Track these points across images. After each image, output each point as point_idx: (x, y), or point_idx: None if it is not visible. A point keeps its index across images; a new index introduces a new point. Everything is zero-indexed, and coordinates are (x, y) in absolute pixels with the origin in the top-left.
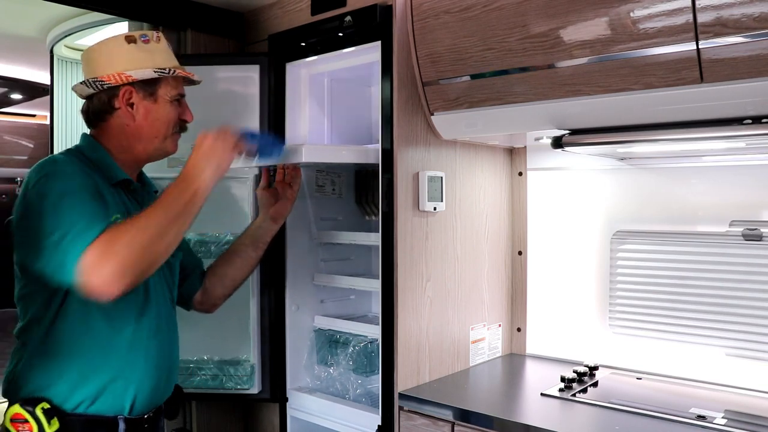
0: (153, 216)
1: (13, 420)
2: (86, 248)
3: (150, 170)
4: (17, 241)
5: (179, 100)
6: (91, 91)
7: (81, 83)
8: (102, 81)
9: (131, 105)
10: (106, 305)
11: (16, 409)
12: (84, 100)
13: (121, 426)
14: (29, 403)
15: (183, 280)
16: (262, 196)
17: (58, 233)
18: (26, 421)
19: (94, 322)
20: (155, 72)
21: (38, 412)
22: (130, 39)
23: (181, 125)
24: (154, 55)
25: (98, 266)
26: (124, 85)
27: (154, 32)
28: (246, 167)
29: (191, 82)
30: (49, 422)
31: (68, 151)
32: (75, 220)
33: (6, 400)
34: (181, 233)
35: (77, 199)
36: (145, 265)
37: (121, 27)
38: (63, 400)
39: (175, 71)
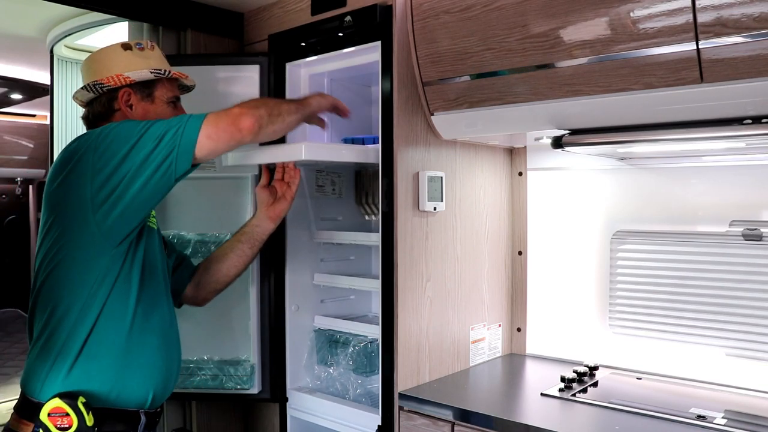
0: (266, 99)
1: (51, 414)
2: (205, 117)
3: None
4: (97, 185)
5: (175, 103)
6: (92, 95)
7: (82, 88)
8: (102, 84)
9: (130, 106)
10: (140, 297)
11: (57, 403)
12: (84, 108)
13: (143, 419)
14: (69, 396)
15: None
16: (260, 194)
17: (166, 127)
18: (66, 415)
19: (129, 317)
20: (151, 72)
21: (80, 405)
22: (126, 46)
23: None
24: (149, 60)
25: (224, 113)
26: (122, 87)
27: (148, 41)
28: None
29: (186, 89)
30: (87, 415)
31: None
32: (177, 118)
33: (6, 399)
34: (283, 126)
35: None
36: (266, 119)
37: (121, 27)
38: (96, 394)
39: (170, 72)
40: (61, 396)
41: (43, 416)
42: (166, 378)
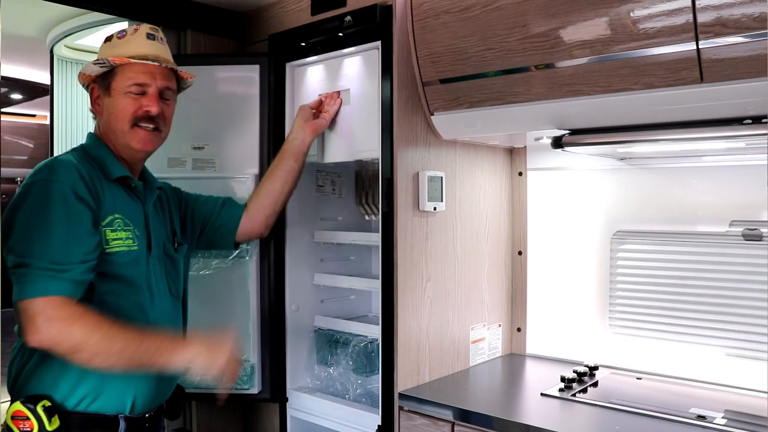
0: (122, 345)
1: (14, 417)
2: (45, 297)
3: (151, 169)
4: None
5: (142, 92)
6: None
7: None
8: (81, 83)
9: (99, 103)
10: (111, 301)
11: (17, 406)
12: None
13: (122, 425)
14: (30, 400)
15: (216, 219)
16: (304, 109)
17: (17, 256)
18: (27, 419)
19: None
20: (95, 64)
21: (39, 409)
22: (108, 39)
23: (143, 118)
24: (119, 48)
25: (48, 326)
26: (90, 84)
27: (134, 26)
28: None
29: (175, 75)
30: (49, 420)
31: (74, 150)
32: (42, 254)
33: (7, 399)
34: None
35: (56, 229)
36: (78, 359)
37: (121, 27)
38: (64, 398)
39: (109, 60)
40: (24, 400)
41: (8, 419)
42: (155, 384)
